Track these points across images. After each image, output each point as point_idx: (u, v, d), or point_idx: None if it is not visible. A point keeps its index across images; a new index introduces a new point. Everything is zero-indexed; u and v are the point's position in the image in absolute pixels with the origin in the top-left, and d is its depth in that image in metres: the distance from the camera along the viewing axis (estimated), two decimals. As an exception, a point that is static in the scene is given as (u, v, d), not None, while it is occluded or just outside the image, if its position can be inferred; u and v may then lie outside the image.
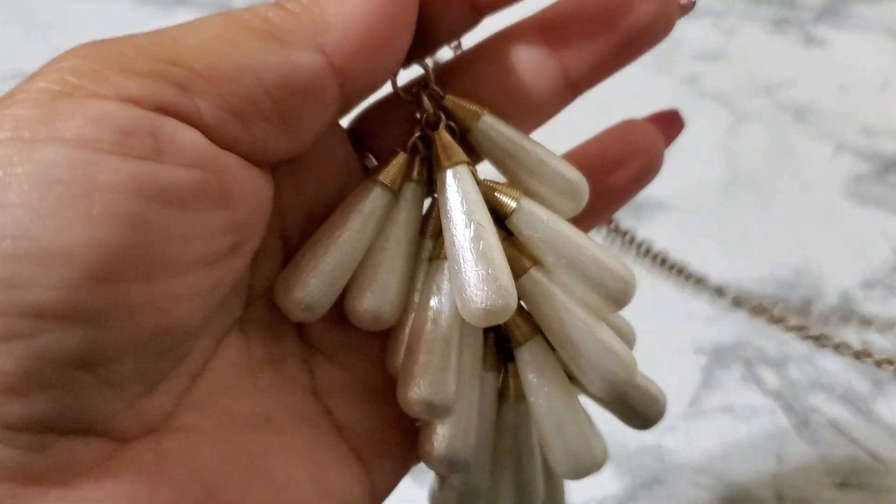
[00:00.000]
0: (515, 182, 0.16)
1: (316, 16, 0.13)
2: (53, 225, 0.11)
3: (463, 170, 0.15)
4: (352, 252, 0.15)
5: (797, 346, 0.33)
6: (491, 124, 0.16)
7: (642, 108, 0.43)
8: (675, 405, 0.31)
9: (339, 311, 0.17)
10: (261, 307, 0.16)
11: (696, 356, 0.32)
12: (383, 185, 0.15)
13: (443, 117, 0.15)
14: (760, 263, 0.36)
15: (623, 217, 0.38)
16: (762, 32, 0.49)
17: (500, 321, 0.14)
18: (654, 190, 0.39)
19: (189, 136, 0.12)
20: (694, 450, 0.30)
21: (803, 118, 0.43)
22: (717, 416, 0.31)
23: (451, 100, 0.16)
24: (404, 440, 0.17)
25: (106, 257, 0.11)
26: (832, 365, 0.32)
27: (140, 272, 0.11)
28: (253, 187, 0.13)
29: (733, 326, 0.34)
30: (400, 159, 0.16)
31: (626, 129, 0.20)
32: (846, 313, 0.34)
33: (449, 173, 0.15)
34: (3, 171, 0.10)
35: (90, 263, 0.11)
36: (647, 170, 0.20)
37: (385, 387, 0.17)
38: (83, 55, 0.12)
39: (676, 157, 0.41)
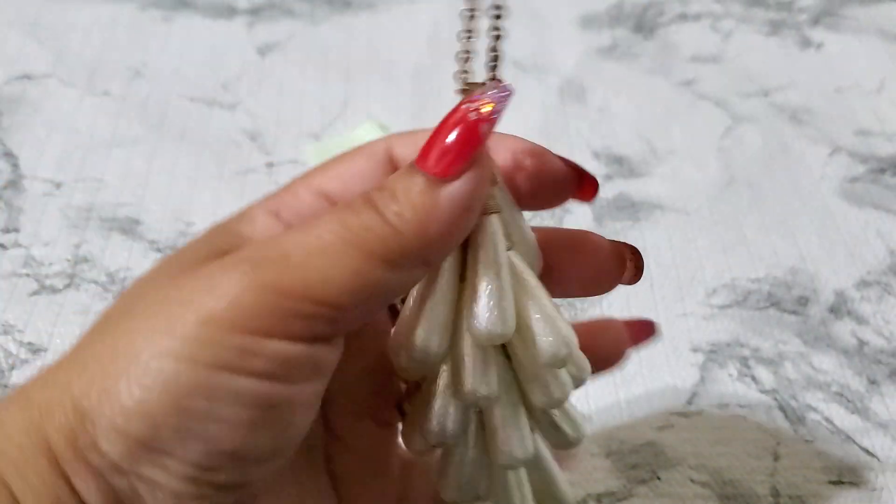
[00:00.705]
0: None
1: (422, 234, 0.15)
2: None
3: (495, 220, 0.17)
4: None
5: (793, 345, 0.33)
6: (502, 191, 0.18)
7: (641, 110, 0.44)
8: (672, 403, 0.31)
9: (361, 406, 0.20)
10: None
11: (693, 355, 0.33)
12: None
13: None
14: (757, 263, 0.36)
15: (621, 217, 0.38)
16: (759, 35, 0.49)
17: (498, 342, 0.17)
18: (652, 191, 0.40)
19: (326, 354, 0.16)
20: (691, 447, 0.30)
21: (799, 120, 0.44)
22: (713, 414, 0.31)
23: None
24: None
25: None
26: (828, 363, 0.33)
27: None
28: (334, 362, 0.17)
29: (730, 325, 0.34)
30: None
31: (601, 328, 0.22)
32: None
33: (485, 220, 0.17)
34: (208, 402, 0.14)
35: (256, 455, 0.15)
36: (605, 367, 0.22)
37: (386, 468, 0.21)
38: (258, 294, 0.14)
39: (674, 158, 0.42)
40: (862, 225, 0.38)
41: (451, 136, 0.15)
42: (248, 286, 0.14)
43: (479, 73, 0.17)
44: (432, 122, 0.39)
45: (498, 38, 0.17)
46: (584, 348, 0.19)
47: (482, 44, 0.17)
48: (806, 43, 0.48)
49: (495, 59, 0.17)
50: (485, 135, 0.15)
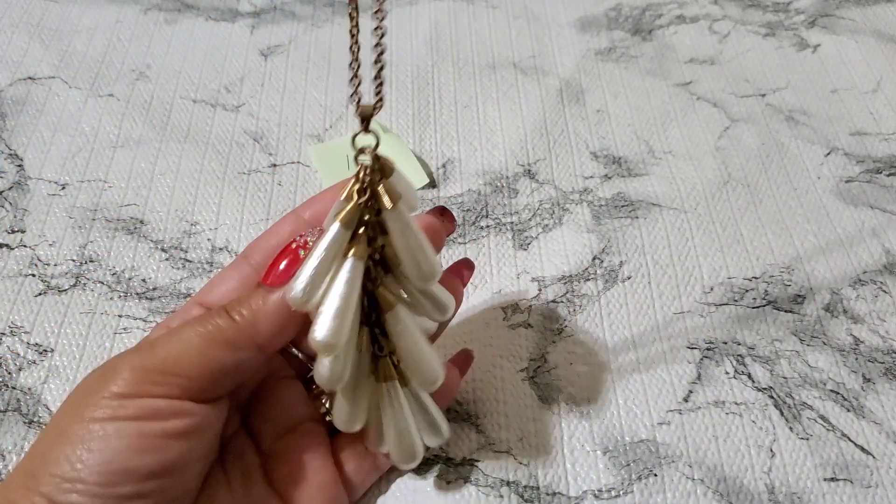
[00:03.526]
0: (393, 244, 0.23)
1: (253, 326, 0.23)
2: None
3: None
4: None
5: (789, 343, 0.34)
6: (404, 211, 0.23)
7: (639, 111, 0.44)
8: (669, 400, 0.32)
9: (281, 425, 0.27)
10: (233, 443, 0.26)
11: (690, 352, 0.33)
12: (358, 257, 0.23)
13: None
14: (754, 262, 0.37)
15: (619, 215, 0.39)
16: (756, 37, 0.49)
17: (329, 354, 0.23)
18: (650, 190, 0.40)
19: (188, 405, 0.22)
20: (688, 444, 0.30)
21: (796, 121, 0.44)
22: (710, 411, 0.31)
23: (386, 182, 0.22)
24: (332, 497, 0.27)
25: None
26: (823, 361, 0.33)
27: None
28: (217, 416, 0.24)
29: (726, 323, 0.34)
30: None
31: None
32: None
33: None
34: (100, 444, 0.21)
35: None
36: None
37: (320, 467, 0.26)
38: (128, 371, 0.22)
39: (672, 158, 0.42)
40: (858, 224, 0.39)
41: (282, 264, 0.23)
42: (123, 367, 0.22)
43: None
44: (432, 122, 0.41)
45: (381, 62, 0.20)
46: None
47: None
48: (802, 44, 0.49)
49: (380, 84, 0.21)
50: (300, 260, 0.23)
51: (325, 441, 0.27)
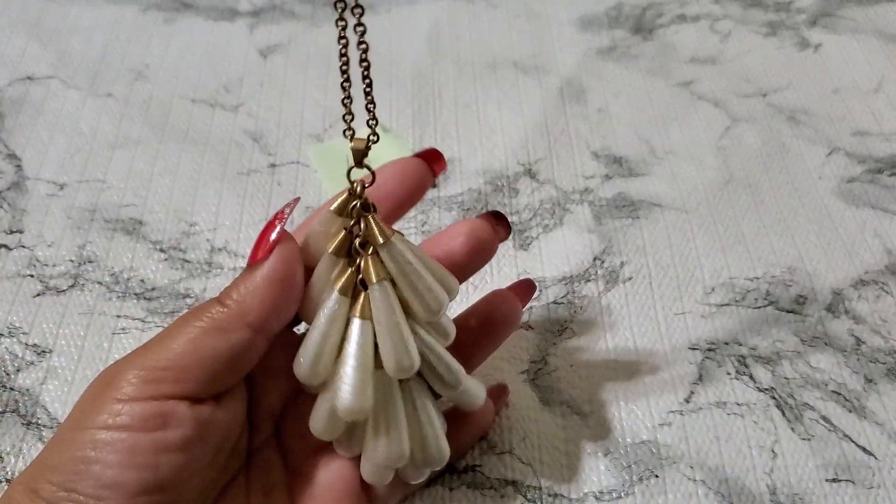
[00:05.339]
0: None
1: (242, 306, 0.22)
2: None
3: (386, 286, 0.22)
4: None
5: (790, 343, 0.34)
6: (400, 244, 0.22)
7: (640, 110, 0.44)
8: (670, 401, 0.32)
9: (312, 443, 0.25)
10: (261, 456, 0.25)
11: (692, 353, 0.33)
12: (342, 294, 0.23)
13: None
14: (755, 262, 0.37)
15: (620, 215, 0.38)
16: (757, 36, 0.49)
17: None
18: (651, 190, 0.40)
19: (181, 408, 0.21)
20: (689, 445, 0.30)
21: (797, 120, 0.44)
22: (711, 412, 0.31)
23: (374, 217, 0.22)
24: None
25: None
26: (825, 362, 0.33)
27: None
28: (219, 418, 0.23)
29: (728, 324, 0.34)
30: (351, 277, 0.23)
31: (497, 297, 0.28)
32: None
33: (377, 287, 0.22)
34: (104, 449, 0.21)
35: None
36: (507, 328, 0.28)
37: (345, 488, 0.25)
38: (122, 371, 0.22)
39: (673, 158, 0.42)
40: (859, 224, 0.38)
41: (265, 239, 0.22)
42: (127, 370, 0.21)
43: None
44: (432, 122, 0.41)
45: (366, 61, 0.20)
46: (486, 318, 0.27)
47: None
48: (804, 44, 0.49)
49: (369, 85, 0.20)
50: (278, 230, 0.22)
51: (354, 461, 0.26)
